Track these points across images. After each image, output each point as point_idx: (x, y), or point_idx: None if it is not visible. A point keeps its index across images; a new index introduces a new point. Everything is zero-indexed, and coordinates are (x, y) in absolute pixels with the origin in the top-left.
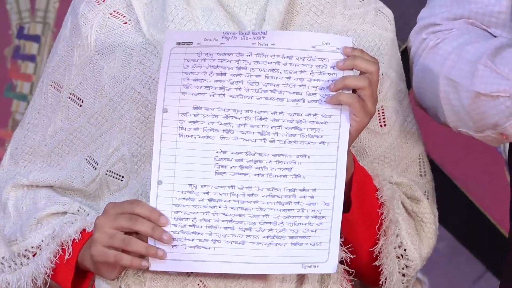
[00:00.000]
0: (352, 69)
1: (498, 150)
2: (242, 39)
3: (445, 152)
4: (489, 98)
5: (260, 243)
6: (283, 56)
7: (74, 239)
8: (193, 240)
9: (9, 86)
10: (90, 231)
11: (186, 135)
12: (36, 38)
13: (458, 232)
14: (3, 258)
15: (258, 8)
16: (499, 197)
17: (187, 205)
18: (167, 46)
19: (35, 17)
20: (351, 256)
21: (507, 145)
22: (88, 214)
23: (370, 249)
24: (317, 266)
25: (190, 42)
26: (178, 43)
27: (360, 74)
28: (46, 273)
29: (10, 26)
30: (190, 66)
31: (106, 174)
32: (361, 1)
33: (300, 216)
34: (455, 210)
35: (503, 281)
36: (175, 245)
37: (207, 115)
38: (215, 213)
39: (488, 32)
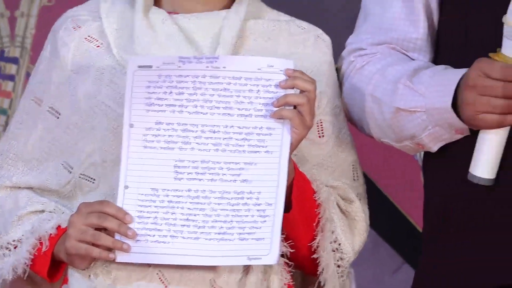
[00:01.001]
0: (293, 88)
1: (415, 157)
2: (196, 63)
3: (370, 160)
4: (407, 113)
5: (212, 238)
6: (233, 77)
7: (50, 234)
8: (154, 235)
9: None
10: (64, 227)
11: (150, 147)
12: (15, 60)
13: (380, 229)
14: None
15: (213, 34)
16: (415, 198)
17: (149, 206)
18: (130, 70)
19: (15, 42)
20: (291, 250)
21: (423, 153)
22: (63, 213)
23: (309, 244)
24: (261, 258)
25: (150, 66)
26: (140, 67)
27: (300, 93)
28: (26, 263)
29: None
30: (151, 86)
31: (79, 177)
32: (302, 29)
33: (247, 215)
34: (378, 210)
35: (418, 272)
36: (138, 240)
37: (167, 129)
38: (174, 213)
39: (407, 55)
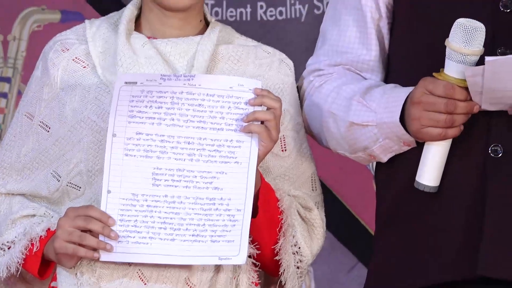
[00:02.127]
0: (261, 105)
1: (368, 167)
2: (175, 80)
3: (327, 169)
4: (360, 127)
5: (186, 240)
6: (207, 94)
7: (41, 236)
8: (134, 237)
9: None
10: (53, 229)
11: (130, 155)
12: (7, 80)
13: (336, 232)
14: None
15: (189, 57)
16: (368, 203)
17: (130, 210)
18: (117, 85)
19: (7, 63)
20: (257, 252)
21: (375, 163)
22: (52, 217)
23: (272, 247)
24: (231, 258)
25: (135, 82)
26: (126, 83)
27: (267, 109)
28: (18, 262)
29: None
30: (134, 100)
31: (67, 185)
32: (268, 53)
33: (218, 220)
34: (334, 214)
35: (370, 270)
36: (120, 241)
37: (147, 139)
38: (152, 216)
39: (361, 75)
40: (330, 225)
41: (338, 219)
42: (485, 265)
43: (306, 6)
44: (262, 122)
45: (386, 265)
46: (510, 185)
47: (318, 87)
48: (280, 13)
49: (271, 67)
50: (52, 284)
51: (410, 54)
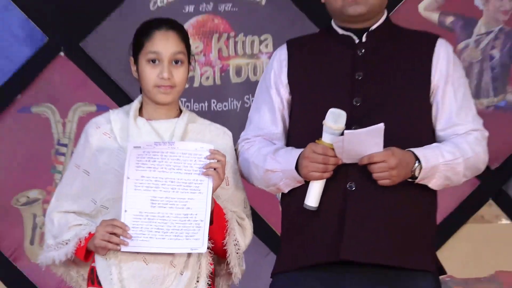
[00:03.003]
0: (213, 159)
1: (276, 196)
2: (163, 145)
3: (253, 196)
4: (272, 172)
5: (171, 238)
6: (182, 153)
7: (85, 237)
8: (140, 237)
9: (53, 167)
10: (93, 233)
11: (137, 189)
12: (65, 145)
13: (257, 233)
14: (51, 245)
15: (170, 131)
16: (276, 217)
17: (137, 221)
18: (129, 149)
19: (65, 134)
20: (212, 245)
21: (280, 193)
22: (92, 225)
23: (222, 241)
24: (197, 249)
25: (139, 147)
26: (134, 147)
27: (217, 162)
28: (72, 251)
29: (53, 139)
30: (139, 157)
31: (100, 207)
32: (217, 128)
33: (189, 226)
34: (256, 222)
35: (278, 256)
36: (132, 240)
37: (147, 180)
38: (150, 225)
39: (272, 142)
40: (254, 228)
41: (258, 225)
42: (345, 252)
43: (240, 101)
44: (214, 169)
45: (285, 253)
46: (360, 206)
47: (247, 149)
48: (225, 106)
49: (219, 136)
50: (92, 264)
51: (300, 130)
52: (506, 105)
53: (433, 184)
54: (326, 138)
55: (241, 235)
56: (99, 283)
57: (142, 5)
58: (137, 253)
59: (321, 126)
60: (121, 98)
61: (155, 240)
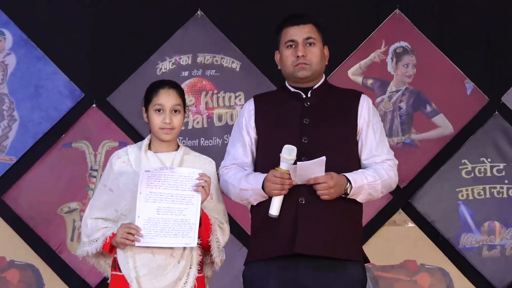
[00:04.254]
0: (202, 180)
1: (247, 207)
2: (166, 169)
3: (231, 207)
4: (244, 190)
5: (171, 236)
6: (179, 175)
7: (110, 236)
8: (148, 235)
9: (87, 186)
10: (115, 233)
11: (147, 201)
12: (96, 170)
13: (233, 232)
14: (85, 242)
15: (171, 161)
16: (247, 221)
17: (147, 224)
18: (141, 172)
19: (96, 163)
20: (201, 241)
21: (250, 205)
22: (114, 228)
23: (207, 239)
24: (190, 244)
25: (149, 171)
26: (145, 171)
27: (205, 181)
28: (100, 246)
29: (87, 166)
30: (149, 178)
31: (120, 214)
32: (205, 158)
33: (184, 228)
34: (232, 225)
35: (248, 250)
36: (143, 237)
37: (155, 195)
38: (156, 227)
39: (244, 169)
40: (231, 230)
41: (234, 227)
42: (298, 247)
43: (221, 139)
44: (203, 187)
45: (254, 247)
46: (308, 214)
47: (226, 173)
48: (210, 142)
49: (206, 164)
50: (115, 255)
51: (264, 160)
52: (411, 142)
53: (359, 198)
54: (283, 166)
55: (221, 235)
56: (119, 269)
57: (150, 71)
58: (147, 247)
59: (279, 157)
60: (135, 137)
61: (159, 238)
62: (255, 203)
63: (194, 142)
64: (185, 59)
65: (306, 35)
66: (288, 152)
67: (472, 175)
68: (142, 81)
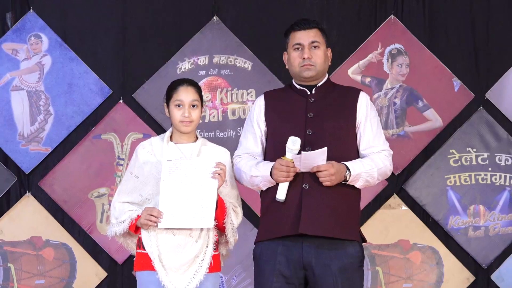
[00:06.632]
0: (218, 167)
1: (257, 192)
2: (186, 158)
3: (244, 192)
4: (255, 177)
5: (191, 218)
6: (198, 164)
7: (135, 218)
8: (170, 218)
9: (115, 173)
10: (140, 215)
11: (169, 187)
12: (122, 159)
13: (245, 215)
14: (114, 223)
15: (191, 151)
16: (257, 204)
17: (169, 207)
18: (164, 161)
19: (123, 153)
20: (216, 223)
21: (260, 190)
22: (139, 210)
23: (222, 221)
24: (207, 225)
25: (171, 160)
26: (167, 160)
27: (220, 169)
28: (127, 227)
29: (115, 155)
30: (171, 167)
31: (145, 199)
32: (220, 149)
33: (202, 210)
34: (245, 208)
35: (258, 230)
36: (164, 219)
37: (175, 182)
38: (176, 210)
39: (255, 158)
40: (243, 213)
41: (246, 210)
42: (302, 228)
43: (234, 132)
44: (219, 174)
45: (263, 228)
46: (311, 198)
47: (239, 162)
48: (225, 134)
49: (221, 154)
50: (139, 235)
51: (272, 150)
52: (404, 134)
53: (358, 184)
54: (288, 155)
55: (235, 217)
56: (143, 247)
57: (171, 70)
58: (168, 228)
59: (285, 147)
60: (158, 129)
61: (180, 220)
62: (264, 189)
63: (210, 134)
64: (202, 60)
65: (312, 39)
66: (293, 143)
67: (459, 163)
68: (164, 79)
